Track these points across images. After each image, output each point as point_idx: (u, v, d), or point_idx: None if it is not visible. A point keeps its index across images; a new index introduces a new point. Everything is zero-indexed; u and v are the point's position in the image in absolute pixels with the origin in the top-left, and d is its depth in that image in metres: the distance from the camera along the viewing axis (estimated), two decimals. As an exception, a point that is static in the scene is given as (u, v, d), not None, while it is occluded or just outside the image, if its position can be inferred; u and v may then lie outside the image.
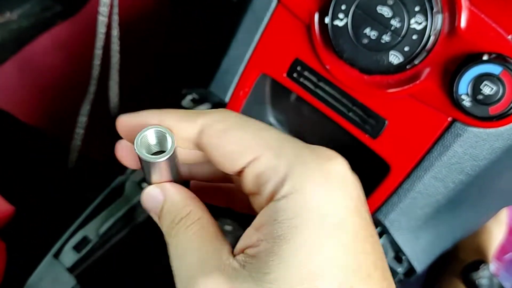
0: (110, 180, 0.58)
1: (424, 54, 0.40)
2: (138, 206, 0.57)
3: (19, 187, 0.71)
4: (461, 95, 0.39)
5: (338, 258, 0.23)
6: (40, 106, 0.87)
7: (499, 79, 0.38)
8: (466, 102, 0.39)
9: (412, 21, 0.40)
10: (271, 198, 0.25)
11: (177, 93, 0.57)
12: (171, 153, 0.27)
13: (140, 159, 0.27)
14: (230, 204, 0.33)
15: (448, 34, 0.40)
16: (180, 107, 0.56)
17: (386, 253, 0.50)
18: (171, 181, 0.29)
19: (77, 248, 0.53)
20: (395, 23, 0.40)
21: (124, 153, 0.30)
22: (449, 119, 0.42)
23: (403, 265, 0.50)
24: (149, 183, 0.29)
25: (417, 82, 0.41)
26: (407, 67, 0.41)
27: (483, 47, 0.39)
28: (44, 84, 0.88)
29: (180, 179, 0.30)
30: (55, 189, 0.73)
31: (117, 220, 0.55)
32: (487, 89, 0.38)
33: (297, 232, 0.23)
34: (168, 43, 0.93)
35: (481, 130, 0.41)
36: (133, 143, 0.27)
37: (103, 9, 0.61)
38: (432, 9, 0.39)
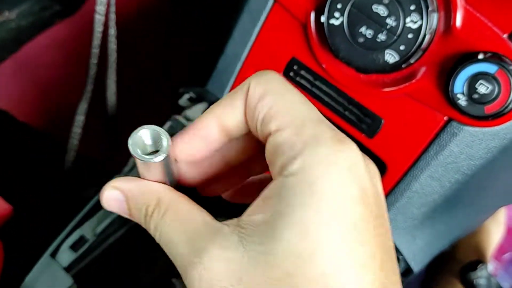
0: (107, 179, 0.57)
1: (419, 53, 0.40)
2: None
3: (16, 186, 0.71)
4: (456, 94, 0.39)
5: (329, 245, 0.23)
6: (38, 105, 0.87)
7: (494, 78, 0.38)
8: (462, 101, 0.39)
9: (408, 20, 0.40)
10: (281, 173, 0.25)
11: (174, 92, 0.57)
12: (167, 153, 0.27)
13: (135, 159, 0.27)
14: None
15: (444, 33, 0.40)
16: (177, 105, 0.56)
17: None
18: (166, 182, 0.29)
19: (74, 247, 0.53)
20: (390, 22, 0.40)
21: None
22: (445, 118, 0.42)
23: (400, 265, 0.50)
24: None
25: (413, 81, 0.41)
26: (403, 66, 0.41)
27: (478, 46, 0.39)
28: (42, 83, 0.89)
29: (175, 179, 0.30)
30: (53, 188, 0.73)
31: (114, 220, 0.55)
32: (483, 88, 0.38)
33: (294, 211, 0.23)
34: (167, 42, 0.93)
35: (477, 129, 0.41)
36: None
37: (100, 8, 0.61)
38: (427, 8, 0.39)
